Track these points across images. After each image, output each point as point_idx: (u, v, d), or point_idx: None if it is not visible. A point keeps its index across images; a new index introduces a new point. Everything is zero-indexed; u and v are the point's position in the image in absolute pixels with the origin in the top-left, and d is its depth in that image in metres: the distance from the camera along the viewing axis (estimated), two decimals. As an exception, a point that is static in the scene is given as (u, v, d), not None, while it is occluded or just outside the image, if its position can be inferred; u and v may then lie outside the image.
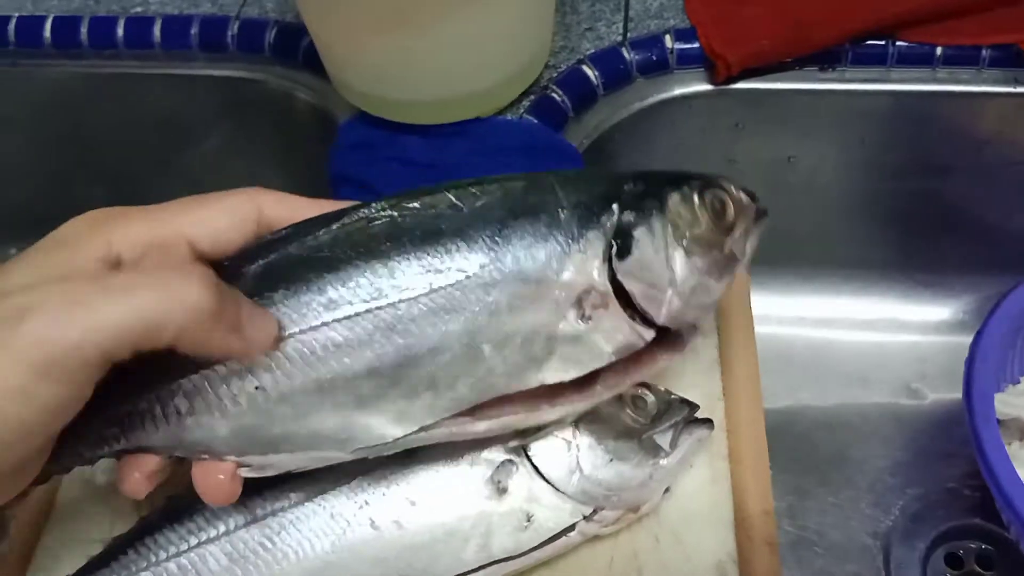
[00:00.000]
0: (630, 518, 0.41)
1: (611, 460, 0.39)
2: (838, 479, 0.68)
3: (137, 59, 0.72)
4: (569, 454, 0.39)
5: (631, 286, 0.36)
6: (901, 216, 0.71)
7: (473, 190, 0.36)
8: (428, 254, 0.34)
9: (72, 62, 0.73)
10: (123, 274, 0.33)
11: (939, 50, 0.63)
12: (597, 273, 0.35)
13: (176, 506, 0.40)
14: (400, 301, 0.34)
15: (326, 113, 0.67)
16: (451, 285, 0.34)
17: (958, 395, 0.54)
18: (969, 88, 0.63)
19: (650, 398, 0.42)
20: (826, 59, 0.64)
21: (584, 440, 0.39)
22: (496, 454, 0.39)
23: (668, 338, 0.39)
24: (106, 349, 0.29)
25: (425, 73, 0.58)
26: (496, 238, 0.34)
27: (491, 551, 0.39)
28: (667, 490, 0.42)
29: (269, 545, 0.38)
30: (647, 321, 0.37)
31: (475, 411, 0.36)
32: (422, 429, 0.36)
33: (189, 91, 0.72)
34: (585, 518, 0.39)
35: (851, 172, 0.69)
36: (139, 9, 0.72)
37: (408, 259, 0.34)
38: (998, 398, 0.55)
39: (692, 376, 0.47)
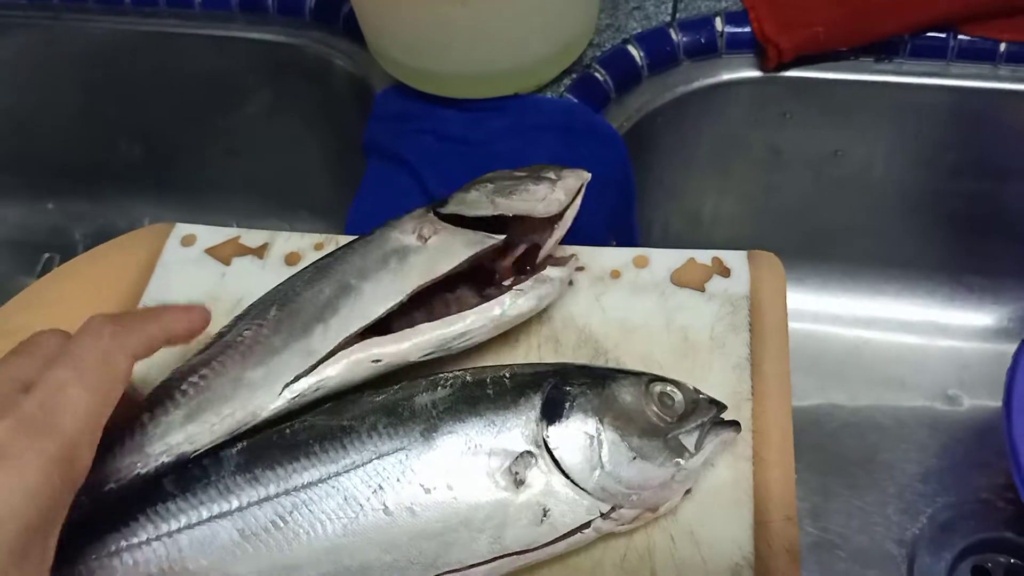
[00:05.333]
0: (648, 517, 0.40)
1: (634, 458, 0.38)
2: (866, 482, 0.66)
3: (177, 18, 0.71)
4: (591, 449, 0.38)
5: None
6: (951, 216, 0.69)
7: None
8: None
9: (113, 18, 0.72)
10: None
11: (1003, 46, 0.60)
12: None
13: (189, 475, 0.39)
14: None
15: (363, 82, 0.66)
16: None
17: (998, 404, 0.52)
18: (1032, 87, 0.61)
19: (678, 396, 0.40)
20: (883, 49, 0.62)
21: (608, 436, 0.38)
22: (515, 444, 0.38)
23: None
24: None
25: (464, 46, 0.57)
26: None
27: (505, 543, 0.37)
28: (688, 491, 0.41)
29: (281, 524, 0.37)
30: None
31: None
32: None
33: (227, 53, 0.71)
34: (602, 515, 0.38)
35: (902, 169, 0.67)
36: (182, -33, 0.72)
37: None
38: (1039, 410, 0.53)
39: (720, 373, 0.45)
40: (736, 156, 0.68)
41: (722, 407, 0.41)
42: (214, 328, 0.43)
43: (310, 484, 0.38)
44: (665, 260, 0.50)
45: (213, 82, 0.74)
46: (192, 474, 0.39)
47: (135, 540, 0.38)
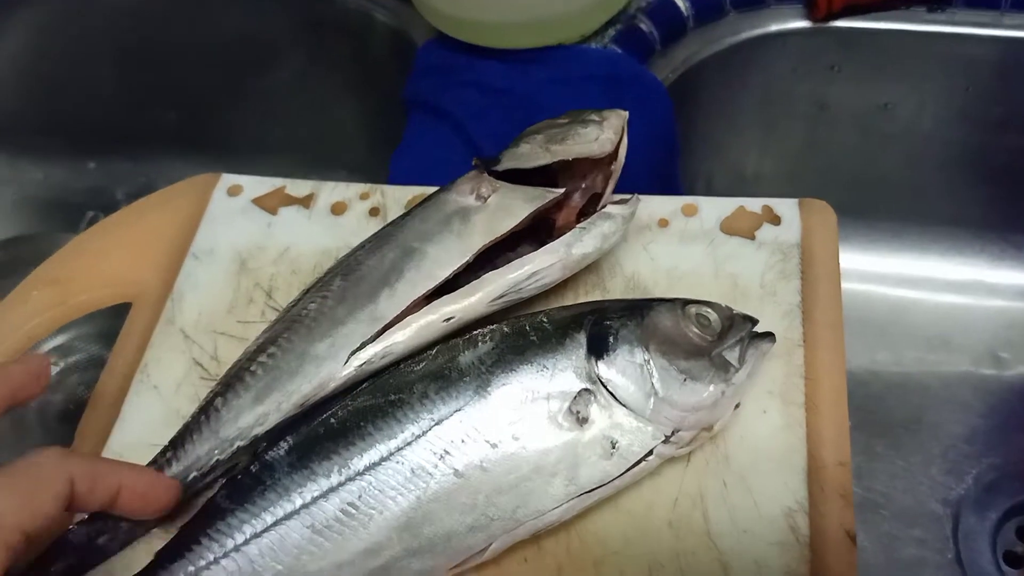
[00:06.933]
0: (704, 437, 0.40)
1: (685, 380, 0.38)
2: (911, 443, 0.65)
3: (215, -27, 0.71)
4: (643, 377, 0.38)
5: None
6: (1003, 173, 0.67)
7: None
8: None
9: (149, -25, 0.73)
10: None
11: (1060, -5, 0.59)
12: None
13: (242, 486, 0.38)
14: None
15: (404, 35, 0.66)
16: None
17: (1049, 365, 0.51)
18: (1091, 38, 0.59)
19: (713, 315, 0.40)
20: (936, -1, 0.60)
21: (656, 362, 0.38)
22: (571, 384, 0.38)
23: None
24: None
25: (509, -5, 0.56)
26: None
27: (579, 483, 0.37)
28: (737, 406, 0.41)
29: (352, 511, 0.36)
30: None
31: None
32: None
33: (262, 9, 0.71)
34: (664, 440, 0.38)
35: (952, 123, 0.65)
36: (219, -78, 0.72)
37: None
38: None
39: (770, 320, 0.44)
40: (782, 110, 0.67)
41: (754, 320, 0.41)
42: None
43: (372, 465, 0.37)
44: (714, 208, 0.49)
45: (249, 40, 0.74)
46: (245, 484, 0.38)
47: (202, 563, 0.36)
